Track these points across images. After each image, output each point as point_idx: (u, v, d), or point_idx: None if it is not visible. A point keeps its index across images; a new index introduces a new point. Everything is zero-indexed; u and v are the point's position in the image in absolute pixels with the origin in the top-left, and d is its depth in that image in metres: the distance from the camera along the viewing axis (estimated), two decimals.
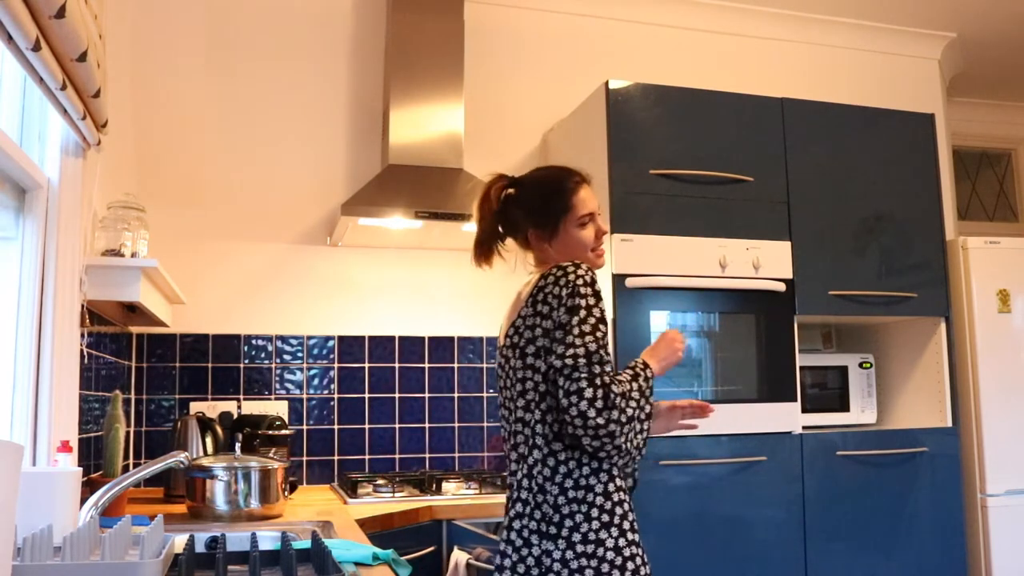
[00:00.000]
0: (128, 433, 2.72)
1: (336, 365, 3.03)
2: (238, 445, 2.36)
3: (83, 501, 1.61)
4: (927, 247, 3.00)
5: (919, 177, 3.04)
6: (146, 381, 2.84)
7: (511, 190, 1.81)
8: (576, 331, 1.60)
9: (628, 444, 1.61)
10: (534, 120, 3.34)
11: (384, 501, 2.49)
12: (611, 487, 1.64)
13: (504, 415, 1.77)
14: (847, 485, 2.76)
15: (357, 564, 1.50)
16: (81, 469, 1.60)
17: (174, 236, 2.90)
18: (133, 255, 2.12)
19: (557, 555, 1.59)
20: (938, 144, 3.14)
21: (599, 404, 1.56)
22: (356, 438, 3.01)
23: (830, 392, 3.08)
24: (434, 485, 2.64)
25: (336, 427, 3.00)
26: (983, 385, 2.98)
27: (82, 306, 1.89)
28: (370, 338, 3.07)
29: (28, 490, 1.39)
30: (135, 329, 2.83)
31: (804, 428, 2.77)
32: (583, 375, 1.57)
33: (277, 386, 2.96)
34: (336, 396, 3.01)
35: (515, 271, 1.83)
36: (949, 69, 4.08)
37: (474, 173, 2.90)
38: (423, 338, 3.13)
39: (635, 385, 1.66)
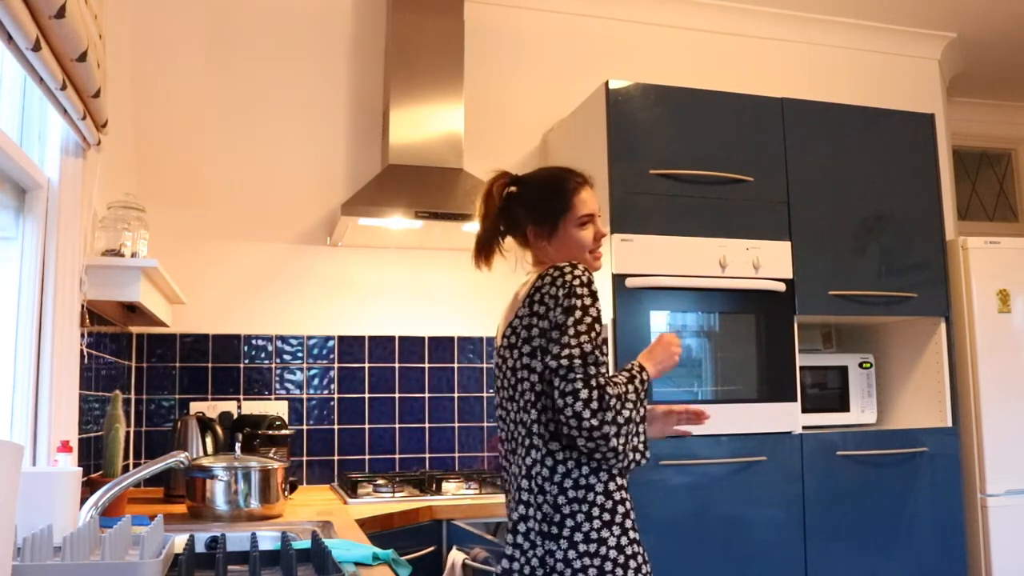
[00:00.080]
0: (128, 433, 2.72)
1: (336, 365, 3.03)
2: (238, 445, 2.36)
3: (83, 501, 1.61)
4: (927, 247, 3.00)
5: (919, 177, 3.04)
6: (146, 381, 2.84)
7: (513, 187, 1.81)
8: (572, 331, 1.60)
9: (623, 446, 1.60)
10: (534, 120, 3.34)
11: (384, 501, 2.49)
12: (611, 486, 1.64)
13: (501, 415, 1.77)
14: (847, 485, 2.76)
15: (357, 564, 1.50)
16: (81, 469, 1.60)
17: (174, 236, 2.90)
18: (133, 255, 2.12)
19: (560, 555, 1.59)
20: (938, 144, 3.14)
21: (594, 405, 1.56)
22: (356, 438, 3.01)
23: (830, 392, 3.08)
24: (434, 485, 2.64)
25: (336, 427, 3.00)
26: (983, 385, 2.98)
27: (82, 306, 1.89)
28: (370, 338, 3.07)
29: (28, 490, 1.39)
30: (135, 329, 2.83)
31: (804, 428, 2.77)
32: (578, 376, 1.57)
33: (277, 386, 2.96)
34: (336, 396, 3.01)
35: (515, 271, 1.84)
36: (949, 69, 4.08)
37: (474, 173, 2.90)
38: (423, 338, 3.13)
39: (631, 387, 1.66)
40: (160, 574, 1.17)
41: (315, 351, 3.01)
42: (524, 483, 1.65)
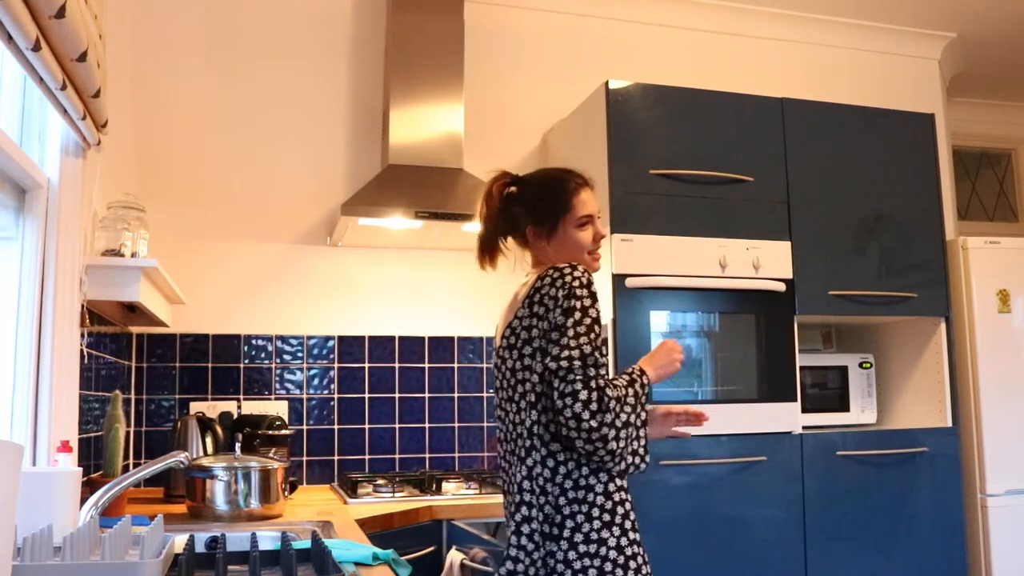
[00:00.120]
0: (128, 433, 2.72)
1: (336, 365, 3.03)
2: (238, 445, 2.36)
3: (83, 501, 1.61)
4: (927, 247, 3.00)
5: (919, 177, 3.04)
6: (146, 381, 2.84)
7: (513, 188, 1.81)
8: (571, 333, 1.60)
9: (622, 449, 1.60)
10: (534, 120, 3.34)
11: (384, 501, 2.49)
12: (611, 487, 1.64)
13: (500, 416, 1.77)
14: (847, 485, 2.76)
15: (357, 564, 1.50)
16: (81, 469, 1.60)
17: (174, 236, 2.90)
18: (133, 255, 2.12)
19: (560, 556, 1.59)
20: (938, 144, 3.14)
21: (593, 407, 1.55)
22: (356, 438, 3.01)
23: (830, 392, 3.08)
24: (434, 485, 2.64)
25: (336, 427, 3.00)
26: (983, 385, 2.98)
27: (82, 306, 1.89)
28: (370, 338, 3.07)
29: (28, 490, 1.39)
30: (135, 329, 2.83)
31: (804, 428, 2.77)
32: (578, 377, 1.57)
33: (277, 386, 2.96)
34: (336, 396, 3.01)
35: (515, 271, 1.84)
36: (949, 69, 4.08)
37: (474, 173, 2.90)
38: (423, 338, 3.13)
39: (630, 391, 1.66)
40: (160, 574, 1.17)
41: (315, 351, 3.01)
42: (526, 484, 1.64)
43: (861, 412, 3.10)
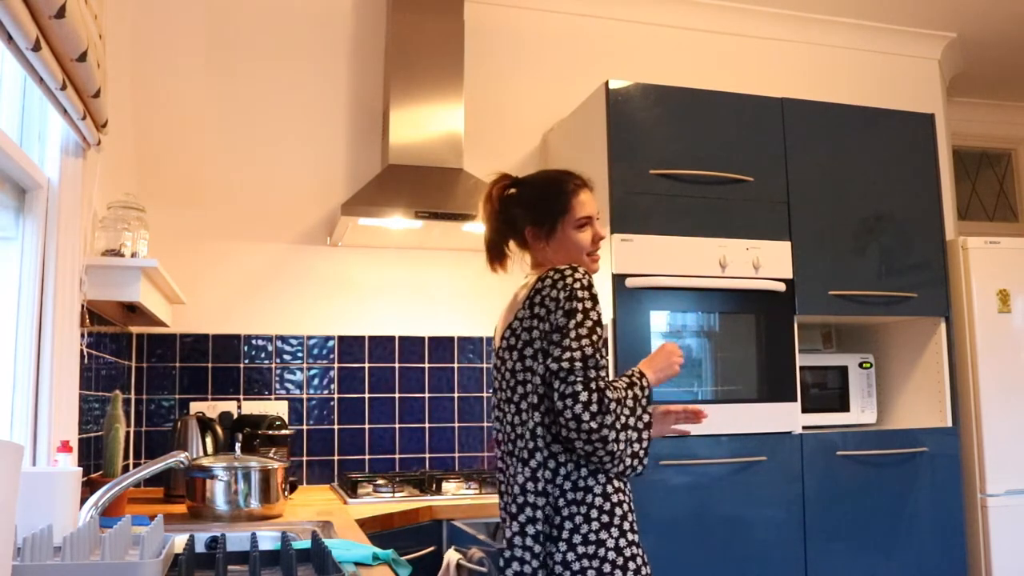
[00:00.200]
0: (128, 433, 2.72)
1: (336, 365, 3.03)
2: (238, 445, 2.36)
3: (83, 501, 1.61)
4: (927, 247, 3.00)
5: (919, 177, 3.04)
6: (146, 381, 2.84)
7: (512, 189, 1.81)
8: (573, 334, 1.60)
9: (622, 451, 1.60)
10: (534, 120, 3.34)
11: (384, 501, 2.49)
12: (610, 488, 1.64)
13: (499, 417, 1.77)
14: (847, 485, 2.76)
15: (357, 564, 1.50)
16: (81, 469, 1.60)
17: (174, 236, 2.90)
18: (133, 255, 2.12)
19: (559, 557, 1.59)
20: (938, 144, 3.14)
21: (593, 408, 1.56)
22: (356, 438, 3.01)
23: (830, 392, 3.08)
24: (434, 485, 2.64)
25: (336, 427, 3.00)
26: (983, 385, 2.98)
27: (82, 306, 1.89)
28: (370, 338, 3.07)
29: (28, 490, 1.39)
30: (135, 329, 2.83)
31: (804, 428, 2.77)
32: (579, 379, 1.57)
33: (277, 386, 2.96)
34: (336, 396, 3.01)
35: (515, 271, 1.84)
36: (949, 69, 4.08)
37: (474, 173, 2.90)
38: (423, 338, 3.13)
39: (630, 393, 1.66)
40: (160, 574, 1.17)
41: (315, 351, 3.01)
42: (529, 486, 1.64)
43: (861, 412, 3.10)
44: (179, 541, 1.56)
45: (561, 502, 1.61)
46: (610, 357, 2.57)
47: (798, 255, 2.83)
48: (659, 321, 2.68)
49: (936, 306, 2.99)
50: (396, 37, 2.97)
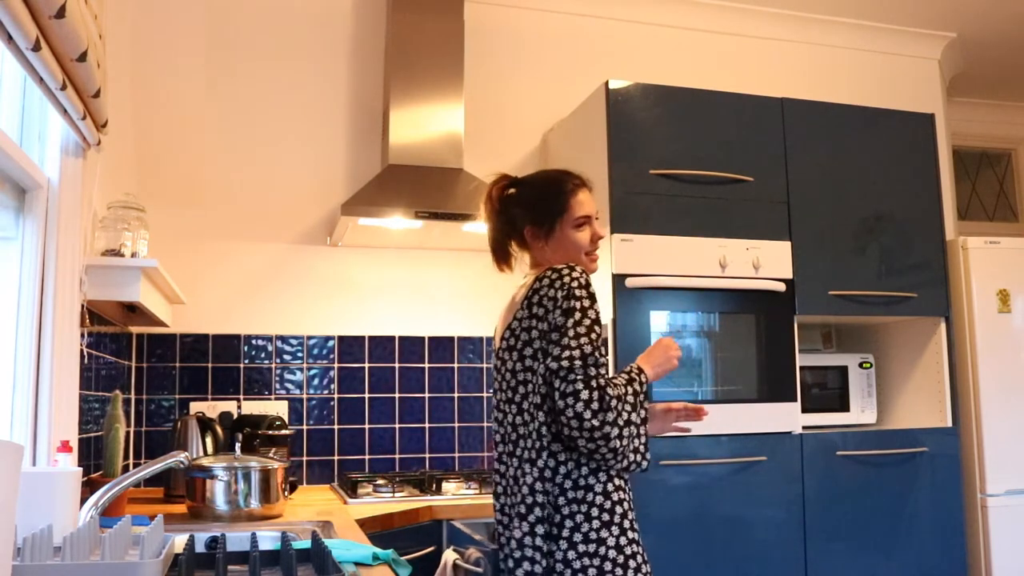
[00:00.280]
0: (128, 433, 2.72)
1: (336, 365, 3.03)
2: (238, 445, 2.36)
3: (83, 501, 1.61)
4: (927, 247, 3.00)
5: (919, 177, 3.04)
6: (146, 381, 2.84)
7: (512, 189, 1.81)
8: (572, 333, 1.60)
9: (624, 447, 1.61)
10: (534, 120, 3.34)
11: (384, 501, 2.49)
12: (610, 486, 1.64)
13: (498, 417, 1.77)
14: (847, 485, 2.76)
15: (357, 564, 1.50)
16: (81, 469, 1.60)
17: (174, 236, 2.90)
18: (133, 255, 2.12)
19: (559, 555, 1.59)
20: (938, 144, 3.14)
21: (595, 406, 1.56)
22: (356, 438, 3.01)
23: (830, 392, 3.08)
24: (434, 485, 2.64)
25: (336, 427, 3.00)
26: (983, 385, 2.98)
27: (82, 306, 1.89)
28: (370, 338, 3.07)
29: (28, 490, 1.39)
30: (135, 329, 2.83)
31: (804, 428, 2.77)
32: (579, 377, 1.57)
33: (277, 386, 2.96)
34: (336, 396, 3.01)
35: (516, 271, 1.84)
36: (949, 69, 4.08)
37: (474, 173, 2.90)
38: (423, 338, 3.13)
39: (630, 389, 1.67)
40: (160, 574, 1.17)
41: (315, 351, 3.01)
42: (538, 486, 1.64)
43: (861, 412, 3.10)
44: (179, 541, 1.56)
45: (561, 500, 1.62)
46: (610, 357, 2.57)
47: (798, 255, 2.83)
48: (659, 321, 2.68)
49: (936, 306, 2.99)
50: (396, 37, 2.97)
